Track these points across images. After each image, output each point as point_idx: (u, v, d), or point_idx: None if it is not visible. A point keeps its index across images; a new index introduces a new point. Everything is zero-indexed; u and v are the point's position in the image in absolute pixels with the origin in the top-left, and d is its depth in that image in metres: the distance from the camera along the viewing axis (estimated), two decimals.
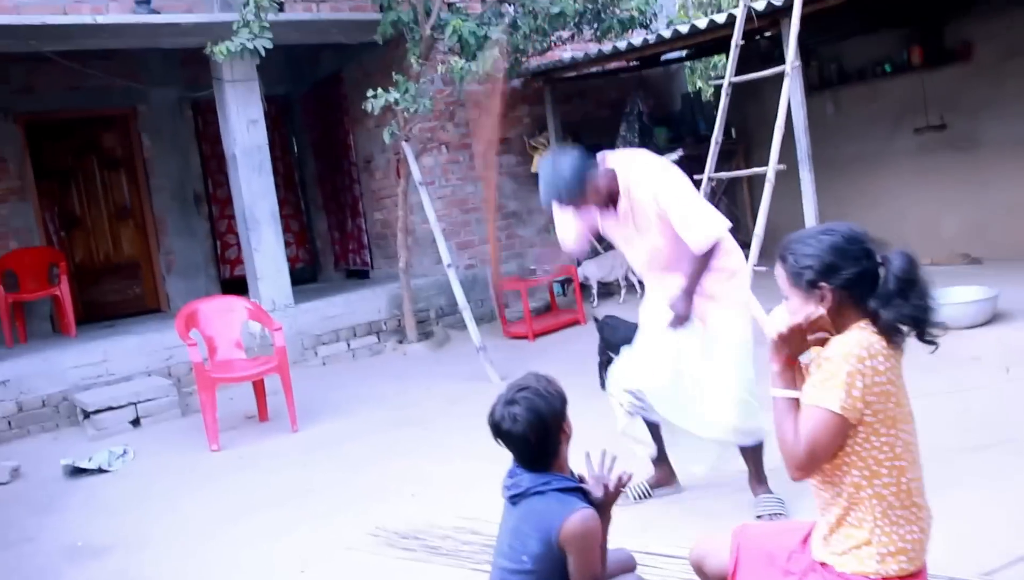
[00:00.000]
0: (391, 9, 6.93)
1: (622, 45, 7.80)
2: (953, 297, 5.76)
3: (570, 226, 3.72)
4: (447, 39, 6.65)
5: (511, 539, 2.37)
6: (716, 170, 6.37)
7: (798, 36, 5.79)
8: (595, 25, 7.64)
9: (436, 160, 8.68)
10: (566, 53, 8.70)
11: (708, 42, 7.62)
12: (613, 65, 9.15)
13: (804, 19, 5.77)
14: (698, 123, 9.88)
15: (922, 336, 2.06)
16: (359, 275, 10.04)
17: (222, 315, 6.46)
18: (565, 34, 7.82)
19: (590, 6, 7.39)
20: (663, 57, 9.36)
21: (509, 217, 9.27)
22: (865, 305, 2.07)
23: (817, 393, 2.03)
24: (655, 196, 3.45)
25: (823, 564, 2.13)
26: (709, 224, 3.44)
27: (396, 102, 6.49)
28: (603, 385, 5.82)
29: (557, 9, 6.77)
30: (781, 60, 6.09)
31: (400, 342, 8.16)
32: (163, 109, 9.55)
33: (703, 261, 3.47)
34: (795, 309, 2.15)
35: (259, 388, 6.30)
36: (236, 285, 9.14)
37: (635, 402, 3.68)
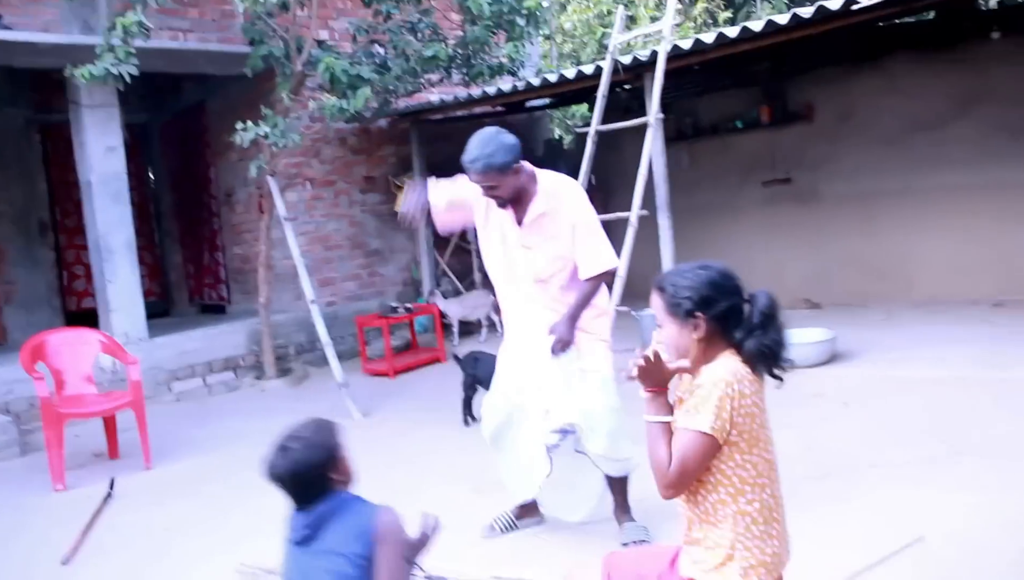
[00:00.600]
0: (262, 43, 6.89)
1: (491, 90, 8.02)
2: (797, 339, 6.18)
3: (453, 197, 3.76)
4: (320, 76, 6.66)
5: (317, 568, 2.39)
6: None
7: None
8: (464, 70, 7.82)
9: (300, 196, 8.62)
10: (433, 96, 8.86)
11: (572, 91, 7.94)
12: (479, 109, 9.38)
13: (665, 75, 6.13)
14: (559, 169, 10.14)
15: (775, 367, 2.24)
16: (215, 310, 9.77)
17: (72, 347, 6.15)
18: (434, 77, 7.98)
19: (461, 51, 7.57)
20: (528, 104, 9.66)
21: (372, 255, 9.28)
22: (731, 336, 2.25)
23: (690, 417, 2.18)
24: (575, 210, 3.58)
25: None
26: (608, 256, 3.61)
27: (265, 136, 6.43)
28: (466, 421, 5.93)
29: (430, 53, 6.91)
30: (640, 112, 6.43)
31: (258, 378, 7.99)
32: (8, 132, 9.09)
33: (592, 289, 3.60)
34: (669, 337, 2.31)
35: (110, 424, 6.02)
36: (83, 318, 8.73)
37: (558, 437, 3.69)
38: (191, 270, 10.11)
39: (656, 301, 2.35)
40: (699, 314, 2.25)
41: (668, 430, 2.25)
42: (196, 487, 5.28)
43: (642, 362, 2.30)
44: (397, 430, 6.10)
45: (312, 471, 2.40)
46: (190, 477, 5.48)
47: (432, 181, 3.86)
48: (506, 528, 3.98)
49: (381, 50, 7.68)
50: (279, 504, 4.76)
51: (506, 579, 3.31)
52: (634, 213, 6.01)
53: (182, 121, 9.79)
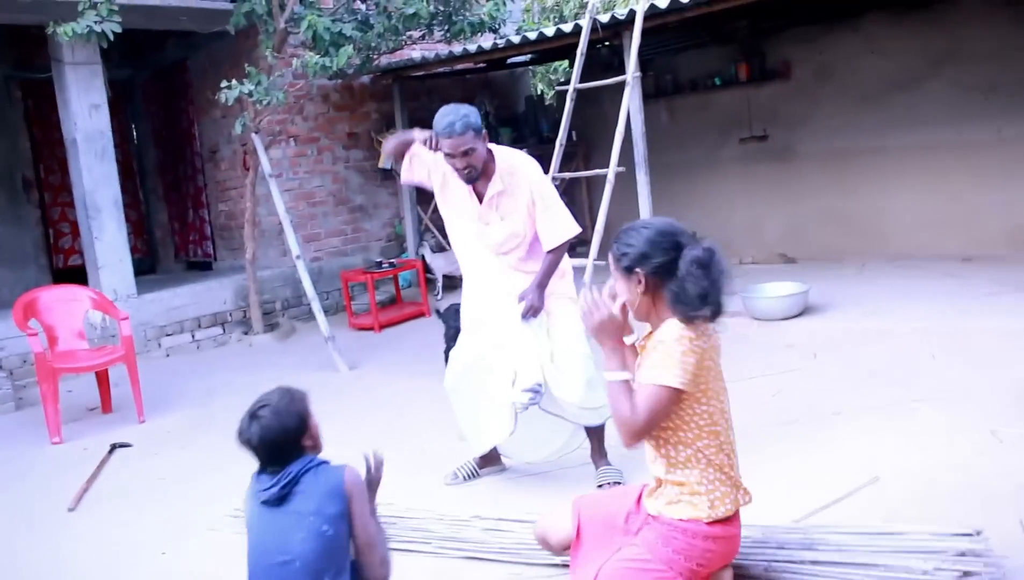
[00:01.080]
0: (245, 0, 6.95)
1: (472, 48, 8.11)
2: (770, 292, 6.42)
3: (422, 153, 3.84)
4: (302, 33, 6.74)
5: (293, 528, 2.50)
6: (560, 171, 6.77)
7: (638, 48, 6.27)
8: (446, 27, 7.91)
9: (284, 153, 8.72)
10: (415, 52, 8.94)
11: (553, 49, 8.05)
12: (460, 66, 9.46)
13: (643, 32, 6.26)
14: (540, 125, 10.34)
15: (714, 316, 2.39)
16: (200, 267, 9.89)
17: (64, 304, 6.30)
18: (416, 34, 8.06)
19: (442, 8, 7.66)
20: (509, 60, 9.75)
21: (355, 211, 9.41)
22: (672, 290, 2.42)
23: (655, 373, 2.37)
24: (532, 186, 3.70)
25: (655, 517, 2.49)
26: (569, 224, 3.75)
27: (250, 94, 6.53)
28: None
29: (412, 10, 7.00)
30: (620, 68, 6.56)
31: (245, 333, 8.16)
32: None
33: (558, 258, 3.75)
34: (619, 289, 2.51)
35: (103, 379, 6.20)
36: (70, 275, 8.83)
37: (529, 397, 3.79)
38: (176, 227, 10.21)
39: (610, 257, 2.55)
40: (637, 270, 2.43)
41: (627, 387, 2.43)
42: (190, 439, 5.47)
43: (596, 323, 2.48)
44: (383, 381, 6.30)
45: (282, 437, 2.51)
46: (183, 429, 5.68)
47: (418, 131, 3.91)
48: (469, 476, 4.15)
49: (362, 6, 7.75)
50: None
51: (486, 518, 3.52)
52: (612, 170, 6.17)
53: (164, 78, 9.81)
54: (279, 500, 2.52)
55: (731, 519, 2.48)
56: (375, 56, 7.89)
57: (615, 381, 2.45)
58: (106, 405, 6.23)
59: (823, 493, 3.41)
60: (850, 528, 2.90)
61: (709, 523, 2.42)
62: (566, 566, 3.08)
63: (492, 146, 3.74)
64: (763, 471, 3.66)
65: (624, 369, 2.48)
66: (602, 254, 6.14)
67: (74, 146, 7.39)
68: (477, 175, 3.67)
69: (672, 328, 2.40)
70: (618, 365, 2.48)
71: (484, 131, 3.65)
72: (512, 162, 3.74)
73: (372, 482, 2.68)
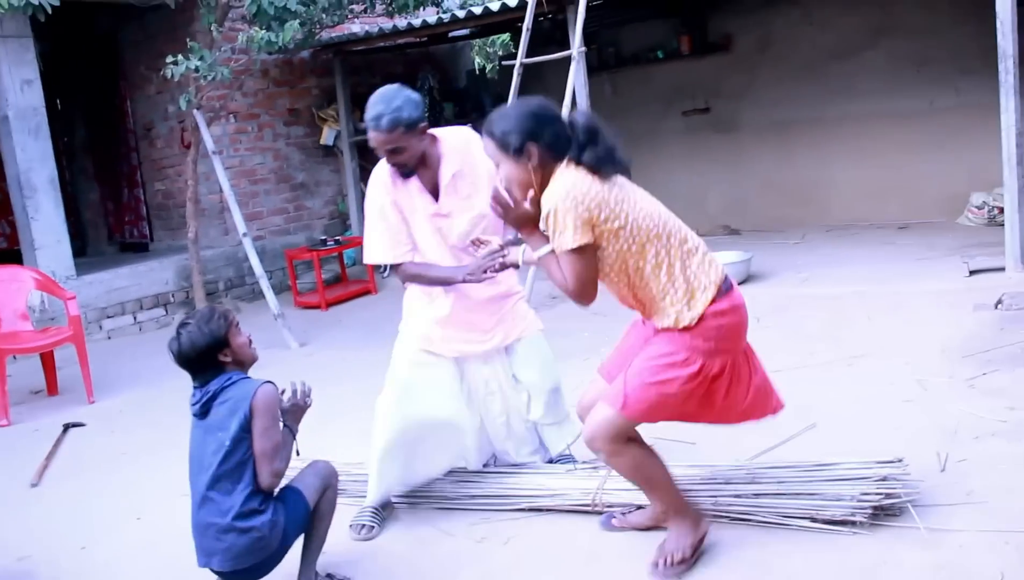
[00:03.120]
0: None
1: (417, 22, 8.41)
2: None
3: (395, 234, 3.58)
4: (245, 8, 6.96)
5: (208, 441, 2.85)
6: None
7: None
8: (389, 1, 8.19)
9: (224, 130, 8.91)
10: (356, 26, 9.20)
11: (495, 23, 8.39)
12: (402, 40, 9.74)
13: (587, 7, 6.64)
14: (483, 99, 10.66)
15: (617, 171, 2.71)
16: (135, 248, 10.01)
17: (5, 285, 6.45)
18: (358, 7, 8.33)
19: None
20: (450, 34, 10.06)
21: (297, 189, 9.65)
22: (563, 158, 2.70)
23: (558, 241, 2.65)
24: (489, 161, 3.61)
25: (666, 329, 2.77)
26: None
27: (196, 69, 6.74)
28: None
29: None
30: (563, 42, 6.94)
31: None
32: None
33: None
34: (508, 174, 2.75)
35: (48, 361, 6.38)
36: (2, 258, 8.90)
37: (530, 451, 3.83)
38: (110, 207, 10.30)
39: (487, 144, 2.79)
40: (528, 144, 2.69)
41: (554, 256, 2.72)
42: (144, 417, 5.70)
43: (499, 208, 2.75)
44: (335, 357, 6.62)
45: (200, 352, 2.86)
46: (134, 409, 5.91)
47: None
48: (378, 523, 3.65)
49: None
50: None
51: (456, 471, 3.88)
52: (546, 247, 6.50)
53: (93, 52, 9.86)
54: (202, 414, 2.91)
55: (728, 292, 2.79)
56: (318, 31, 8.13)
57: (544, 255, 2.74)
58: (52, 387, 6.42)
59: (765, 440, 3.84)
60: (789, 463, 3.35)
61: (705, 310, 2.71)
62: (532, 510, 3.50)
63: (434, 131, 3.56)
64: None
65: (546, 243, 2.75)
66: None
67: (5, 123, 7.49)
68: (410, 171, 3.47)
69: (552, 194, 2.65)
70: (539, 241, 2.76)
71: (423, 123, 3.40)
72: (461, 138, 3.58)
73: (296, 406, 3.04)
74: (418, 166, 3.48)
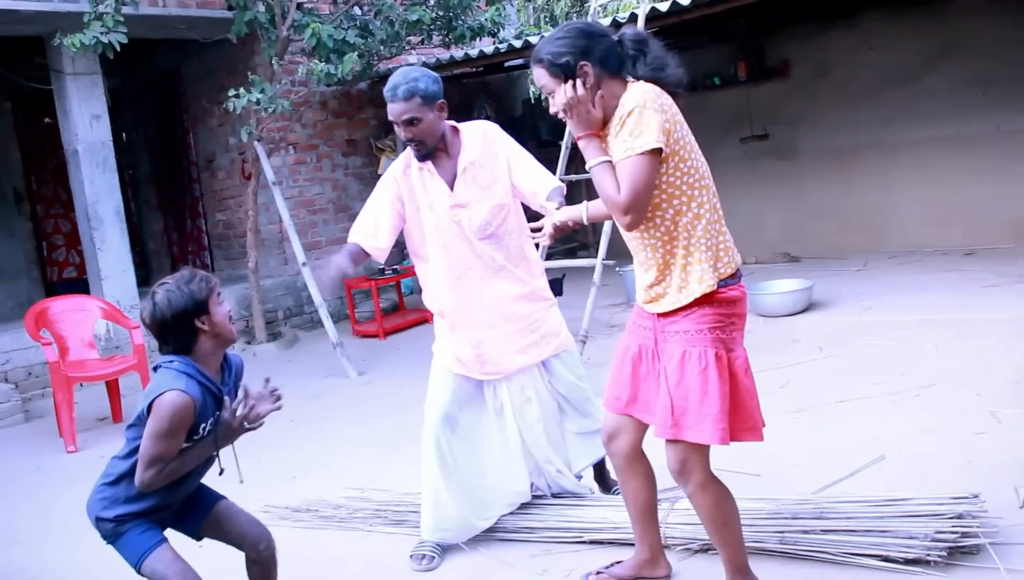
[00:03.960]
0: (245, 8, 7.29)
1: (473, 53, 8.48)
2: (775, 289, 6.81)
3: (377, 221, 3.60)
4: (305, 41, 7.10)
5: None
6: (565, 173, 7.13)
7: None
8: (445, 32, 8.29)
9: (284, 160, 9.06)
10: (413, 57, 9.31)
11: None
12: (458, 71, 9.83)
13: None
14: (539, 128, 10.71)
15: (671, 84, 2.64)
16: None
17: (73, 314, 6.62)
18: (415, 39, 8.43)
19: (443, 14, 8.03)
20: (506, 64, 10.13)
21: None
22: (619, 74, 2.66)
23: (630, 143, 2.53)
24: (508, 147, 3.55)
25: (670, 313, 2.69)
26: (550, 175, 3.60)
27: (257, 102, 6.87)
28: None
29: (415, 16, 7.37)
30: None
31: (249, 343, 8.49)
32: None
33: (561, 200, 3.42)
34: (564, 97, 2.64)
35: (113, 388, 6.51)
36: (65, 288, 9.13)
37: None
38: (173, 237, 10.54)
39: (539, 72, 2.70)
40: (582, 63, 2.62)
41: (610, 167, 2.60)
42: None
43: (567, 106, 2.61)
44: (394, 387, 6.64)
45: (176, 313, 2.59)
46: None
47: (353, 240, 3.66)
48: (438, 555, 3.61)
49: (359, 11, 8.11)
50: (285, 456, 5.28)
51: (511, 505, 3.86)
52: (602, 158, 6.50)
53: (157, 86, 10.15)
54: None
55: (736, 281, 2.71)
56: (375, 62, 8.24)
57: (598, 166, 2.62)
58: (116, 414, 6.54)
59: (831, 473, 3.78)
60: (858, 498, 3.26)
61: (720, 288, 2.64)
62: (593, 542, 3.46)
63: (456, 124, 3.56)
64: (773, 454, 4.03)
65: (602, 154, 2.65)
66: (611, 253, 6.55)
67: (75, 157, 7.72)
68: (428, 152, 3.44)
69: (630, 97, 2.56)
70: (597, 151, 2.66)
71: (441, 100, 3.40)
72: (481, 129, 3.56)
73: (226, 424, 2.67)
74: (437, 152, 3.47)
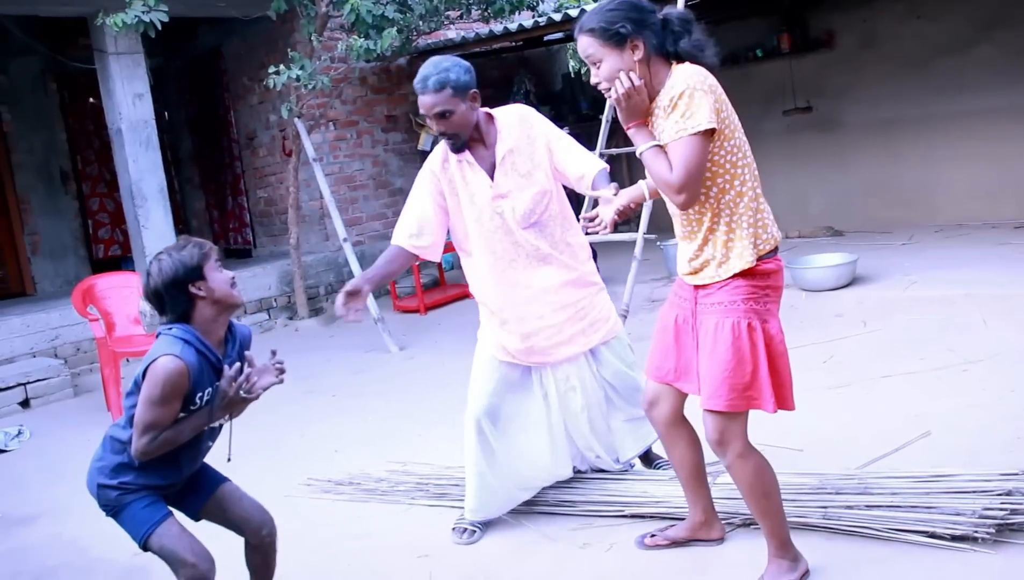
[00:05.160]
0: None
1: (513, 26, 8.44)
2: (818, 262, 6.72)
3: (421, 218, 3.47)
4: (344, 17, 7.09)
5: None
6: (606, 147, 7.09)
7: None
8: (484, 6, 8.24)
9: (324, 137, 9.10)
10: (452, 32, 9.29)
11: None
12: (498, 45, 9.79)
13: (684, 6, 6.56)
14: (579, 102, 10.64)
15: (709, 63, 2.65)
16: (239, 254, 10.32)
17: (118, 291, 6.72)
18: (453, 14, 8.40)
19: None
20: (545, 38, 10.06)
21: (396, 194, 9.78)
22: (665, 51, 2.66)
23: (682, 124, 2.55)
24: (545, 131, 3.47)
25: (707, 285, 2.72)
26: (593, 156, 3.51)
27: (297, 79, 6.90)
28: None
29: None
30: None
31: (291, 318, 8.58)
32: (24, 80, 9.56)
33: (606, 179, 3.35)
34: (612, 68, 2.65)
35: None
36: (109, 266, 9.28)
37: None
38: (215, 215, 10.65)
39: (588, 41, 2.67)
40: (635, 35, 2.62)
41: (661, 150, 2.63)
42: (245, 419, 5.81)
43: (623, 94, 2.62)
44: (435, 361, 6.67)
45: (168, 282, 2.58)
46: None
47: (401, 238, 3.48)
48: (478, 529, 3.64)
49: None
50: (328, 430, 5.32)
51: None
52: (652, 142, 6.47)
53: (198, 65, 10.23)
54: None
55: (775, 255, 2.74)
56: (414, 37, 8.23)
57: (649, 150, 2.64)
58: None
59: (876, 448, 3.74)
60: (903, 474, 3.23)
61: (759, 263, 2.67)
62: (634, 516, 3.46)
63: (491, 110, 3.45)
64: (816, 429, 4.01)
65: (652, 139, 2.67)
66: (651, 228, 6.51)
67: (119, 136, 7.81)
68: (462, 144, 3.34)
69: (680, 79, 2.57)
70: (647, 136, 2.68)
71: (473, 90, 3.29)
72: (516, 114, 3.45)
73: (223, 394, 2.64)
74: (473, 143, 3.37)
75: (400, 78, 9.75)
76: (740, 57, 9.37)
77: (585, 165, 3.40)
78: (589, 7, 7.66)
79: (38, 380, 6.79)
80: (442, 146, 3.45)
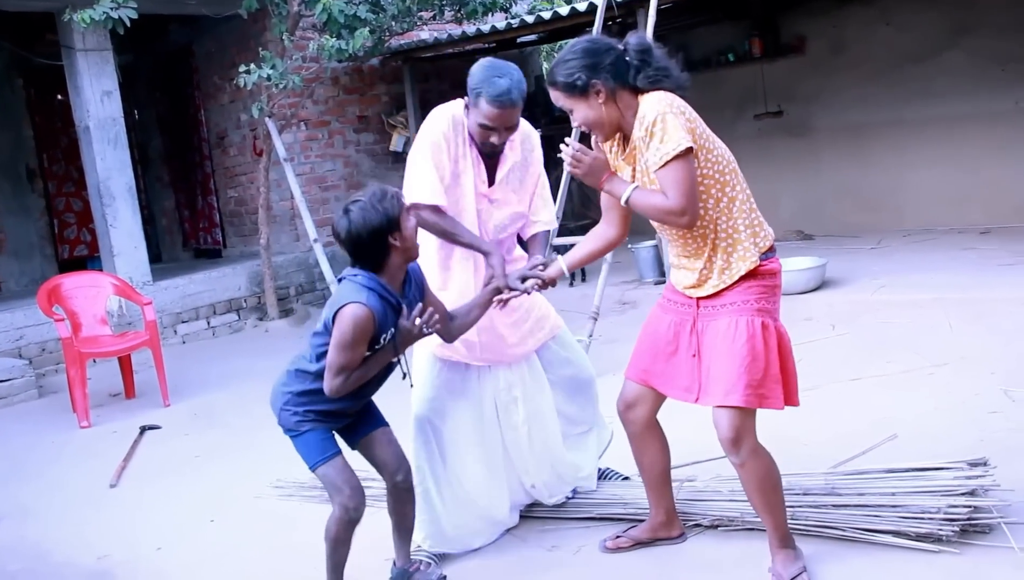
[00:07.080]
0: None
1: (485, 28, 8.44)
2: (788, 266, 6.75)
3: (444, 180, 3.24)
4: (316, 16, 7.06)
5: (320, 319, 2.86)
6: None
7: None
8: (457, 7, 8.24)
9: (295, 137, 9.05)
10: (424, 33, 9.27)
11: (563, 28, 8.37)
12: (471, 47, 9.78)
13: (657, 11, 6.58)
14: (551, 105, 10.61)
15: (676, 89, 2.71)
16: (209, 254, 10.24)
17: (85, 291, 6.64)
18: (427, 15, 8.39)
19: None
20: (519, 40, 10.07)
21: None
22: (630, 85, 2.73)
23: (663, 150, 2.61)
24: (538, 161, 3.45)
25: (716, 294, 2.78)
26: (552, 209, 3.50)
27: (268, 78, 6.86)
28: None
29: None
30: None
31: (261, 319, 8.52)
32: None
33: (545, 242, 3.45)
34: (585, 116, 2.74)
35: (126, 365, 6.54)
36: (76, 265, 9.17)
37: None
38: (185, 214, 10.55)
39: (556, 94, 2.79)
40: (595, 81, 2.70)
41: (642, 189, 2.73)
42: (216, 420, 5.81)
43: (576, 162, 2.71)
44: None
45: (372, 231, 2.69)
46: (208, 412, 6.02)
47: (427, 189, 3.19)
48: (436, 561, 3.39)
49: None
50: None
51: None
52: (631, 186, 6.48)
53: (168, 63, 10.14)
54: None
55: (773, 253, 2.83)
56: (387, 38, 8.21)
57: (632, 193, 2.72)
58: (129, 390, 6.58)
59: (844, 450, 3.77)
60: (869, 474, 3.25)
61: (761, 261, 2.75)
62: (603, 518, 3.47)
63: None
64: (786, 432, 4.01)
65: (628, 184, 2.74)
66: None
67: (87, 133, 7.73)
68: (500, 149, 3.26)
69: (649, 108, 2.64)
70: (622, 184, 2.75)
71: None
72: (525, 130, 3.38)
73: (404, 330, 2.77)
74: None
75: (373, 79, 9.71)
76: (712, 61, 9.43)
77: (539, 213, 3.45)
78: (562, 10, 7.69)
79: (2, 381, 6.67)
80: (450, 117, 3.23)
